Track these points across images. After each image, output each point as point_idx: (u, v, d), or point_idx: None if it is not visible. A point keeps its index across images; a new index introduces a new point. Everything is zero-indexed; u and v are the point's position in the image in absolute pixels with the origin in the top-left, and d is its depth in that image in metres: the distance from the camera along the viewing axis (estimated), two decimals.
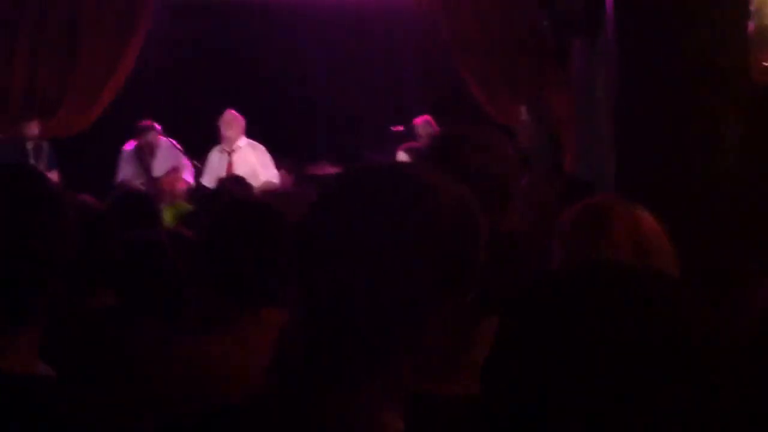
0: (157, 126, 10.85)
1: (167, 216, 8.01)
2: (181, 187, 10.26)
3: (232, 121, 10.31)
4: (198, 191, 9.89)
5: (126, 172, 10.77)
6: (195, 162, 10.71)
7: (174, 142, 10.82)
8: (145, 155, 10.74)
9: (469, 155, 2.61)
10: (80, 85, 12.09)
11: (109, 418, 1.92)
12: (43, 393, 1.85)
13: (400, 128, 11.42)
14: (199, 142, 10.77)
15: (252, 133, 10.46)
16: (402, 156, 9.44)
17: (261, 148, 10.33)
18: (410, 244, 1.46)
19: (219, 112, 10.46)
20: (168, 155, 10.68)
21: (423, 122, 11.00)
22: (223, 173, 9.86)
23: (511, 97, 11.80)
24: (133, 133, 10.86)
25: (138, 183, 10.39)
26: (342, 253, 1.47)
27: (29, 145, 11.07)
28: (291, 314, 1.55)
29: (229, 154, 10.29)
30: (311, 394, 1.47)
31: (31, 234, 1.85)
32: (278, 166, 10.28)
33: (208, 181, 10.16)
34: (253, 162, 10.12)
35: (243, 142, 10.33)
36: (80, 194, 3.66)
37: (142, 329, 2.73)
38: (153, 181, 10.47)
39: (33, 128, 11.19)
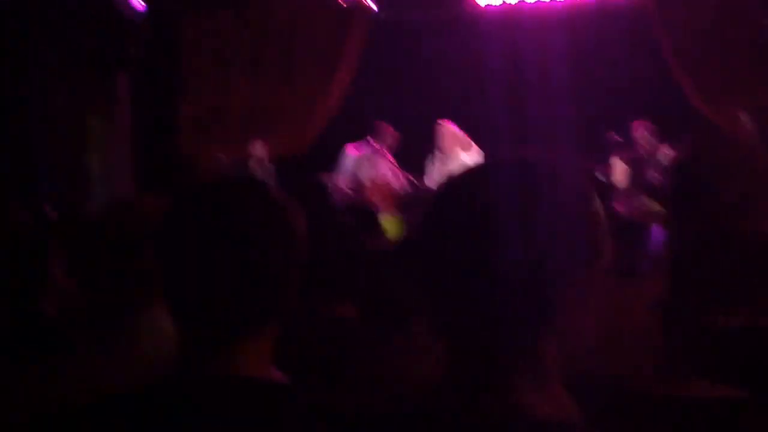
0: (389, 129, 11.01)
1: (388, 227, 8.10)
2: (392, 196, 10.50)
3: (446, 131, 10.37)
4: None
5: (344, 173, 10.96)
6: (410, 175, 10.80)
7: (389, 155, 10.95)
8: (370, 162, 10.92)
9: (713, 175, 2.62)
10: (297, 107, 12.44)
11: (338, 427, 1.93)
12: (277, 398, 1.88)
13: (617, 137, 11.22)
14: (416, 156, 10.86)
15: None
16: (616, 163, 9.23)
17: (477, 152, 10.38)
18: (539, 232, 1.50)
19: (434, 123, 10.53)
20: (384, 165, 10.85)
21: (639, 126, 10.78)
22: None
23: (729, 98, 11.46)
24: (364, 133, 11.05)
25: (349, 187, 10.66)
26: (472, 243, 1.51)
27: (253, 165, 11.38)
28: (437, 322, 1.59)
29: (447, 165, 10.34)
30: (476, 391, 1.53)
31: (263, 242, 1.89)
32: None
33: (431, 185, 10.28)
34: None
35: (462, 154, 10.37)
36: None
37: (376, 340, 2.74)
38: (366, 187, 10.68)
39: (258, 148, 11.48)
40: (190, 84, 12.46)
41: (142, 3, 10.82)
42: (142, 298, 2.58)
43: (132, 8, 10.74)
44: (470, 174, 1.63)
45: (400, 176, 10.76)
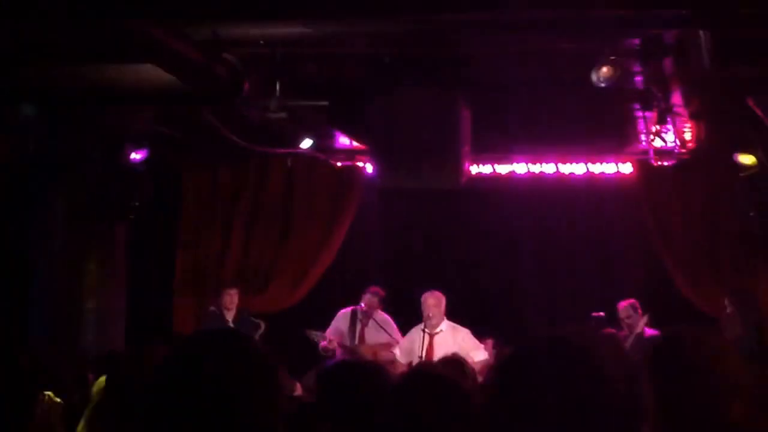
0: (381, 292, 11.08)
1: None
2: (385, 360, 10.49)
3: (434, 302, 10.35)
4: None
5: (336, 331, 10.98)
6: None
7: (390, 318, 11.02)
8: (359, 320, 11.00)
9: (693, 356, 2.82)
10: (290, 263, 12.59)
11: None
12: None
13: (602, 314, 11.35)
14: (402, 321, 10.93)
15: (453, 311, 10.54)
16: None
17: (464, 331, 10.31)
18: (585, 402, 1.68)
19: (420, 293, 10.60)
20: (382, 328, 10.91)
21: (626, 306, 10.91)
22: (421, 354, 9.96)
23: (716, 287, 11.68)
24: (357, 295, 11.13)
25: (339, 345, 10.71)
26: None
27: (231, 317, 11.45)
28: None
29: (431, 336, 10.33)
30: None
31: (249, 399, 1.96)
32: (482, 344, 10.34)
33: (402, 357, 10.25)
34: (452, 345, 10.08)
35: (445, 324, 10.33)
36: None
37: None
38: (358, 347, 10.72)
39: (230, 298, 11.55)
40: (187, 234, 12.65)
41: (145, 154, 11.04)
42: None
43: (135, 159, 10.96)
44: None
45: (396, 342, 10.78)
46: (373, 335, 10.93)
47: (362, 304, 10.95)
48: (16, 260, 10.41)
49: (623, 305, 10.98)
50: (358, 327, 10.98)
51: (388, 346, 10.76)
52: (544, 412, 1.68)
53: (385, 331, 10.85)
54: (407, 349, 10.33)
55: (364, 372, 3.75)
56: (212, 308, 11.61)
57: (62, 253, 10.46)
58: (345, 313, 11.11)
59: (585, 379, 1.69)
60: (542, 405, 1.68)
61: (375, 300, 10.96)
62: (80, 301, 10.48)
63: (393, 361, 10.20)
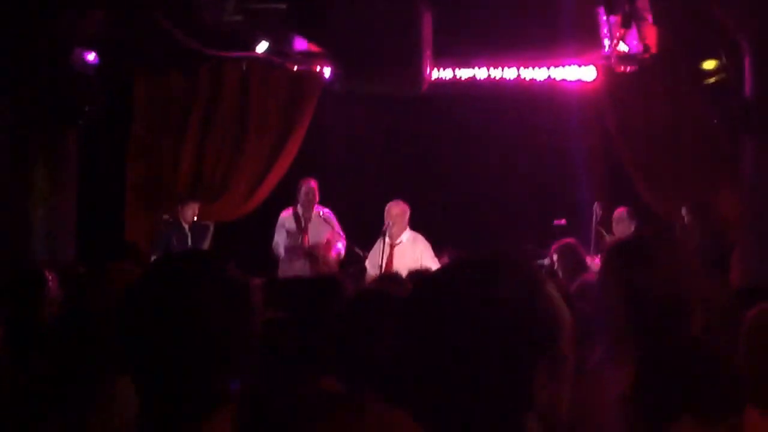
0: (313, 183, 10.96)
1: None
2: (333, 257, 10.52)
3: (398, 212, 10.30)
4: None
5: (281, 237, 10.93)
6: (358, 249, 10.73)
7: (330, 212, 10.92)
8: (300, 222, 10.89)
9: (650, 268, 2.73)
10: (245, 172, 12.41)
11: None
12: None
13: (563, 221, 11.29)
14: (365, 230, 10.83)
15: (416, 221, 10.46)
16: (555, 257, 9.18)
17: (422, 240, 10.29)
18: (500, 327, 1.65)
19: (383, 201, 10.48)
20: (323, 225, 10.83)
21: (622, 212, 10.81)
22: (382, 264, 9.92)
23: (676, 193, 11.67)
24: (293, 195, 11.03)
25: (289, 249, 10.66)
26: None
27: (187, 227, 11.32)
28: None
29: (392, 246, 10.29)
30: None
31: (221, 319, 1.90)
32: (440, 255, 10.25)
33: (370, 268, 10.23)
34: (413, 254, 10.08)
35: (407, 235, 10.29)
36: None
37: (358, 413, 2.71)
38: (306, 248, 10.65)
39: (192, 211, 11.40)
40: (139, 143, 12.38)
41: (96, 58, 10.76)
42: (109, 369, 2.57)
43: (85, 63, 10.67)
44: (443, 273, 1.81)
45: (338, 236, 10.77)
46: (316, 231, 10.83)
47: (300, 201, 10.86)
48: None
49: (621, 210, 10.86)
50: (303, 225, 10.86)
51: (333, 240, 10.69)
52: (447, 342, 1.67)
53: (327, 223, 10.76)
54: (372, 259, 10.30)
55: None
56: (166, 217, 11.44)
57: (10, 161, 10.18)
58: (286, 215, 10.98)
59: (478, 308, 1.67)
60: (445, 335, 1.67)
61: (303, 194, 10.85)
62: (29, 210, 10.25)
63: (340, 259, 10.48)
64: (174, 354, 1.88)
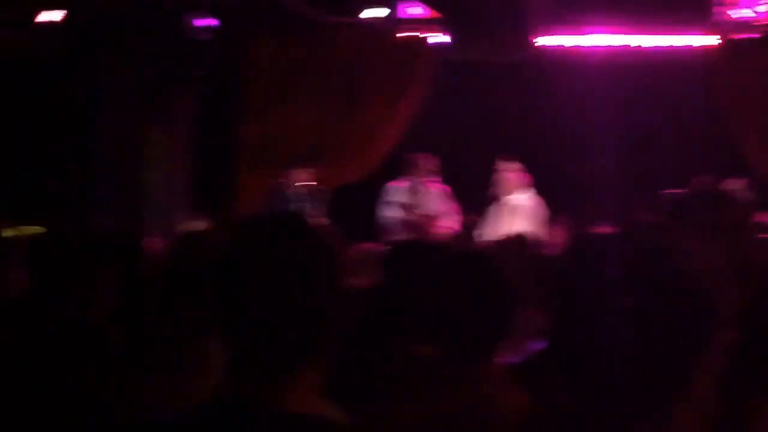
0: (426, 159, 10.92)
1: None
2: (443, 230, 10.46)
3: (511, 174, 10.29)
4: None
5: (390, 209, 10.92)
6: (471, 218, 10.70)
7: (444, 187, 10.88)
8: (416, 192, 10.86)
9: None
10: (358, 137, 12.44)
11: None
12: None
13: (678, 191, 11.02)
14: (475, 196, 10.79)
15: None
16: None
17: (538, 202, 10.26)
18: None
19: (487, 168, 10.44)
20: (436, 198, 10.80)
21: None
22: (498, 228, 9.91)
23: None
24: (405, 167, 10.98)
25: (398, 220, 10.64)
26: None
27: (301, 191, 11.37)
28: None
29: (505, 208, 10.24)
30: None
31: (311, 279, 1.93)
32: (554, 222, 10.17)
33: (484, 234, 10.20)
34: (527, 217, 10.05)
35: (521, 197, 10.27)
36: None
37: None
38: (416, 219, 10.63)
39: (304, 176, 11.45)
40: (252, 108, 12.50)
41: (212, 23, 10.88)
42: (201, 327, 2.61)
43: (201, 28, 10.80)
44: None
45: (453, 212, 10.72)
46: (428, 204, 10.79)
47: (415, 175, 10.80)
48: (80, 133, 10.37)
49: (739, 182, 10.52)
50: (415, 198, 10.82)
51: (444, 214, 10.62)
52: None
53: (440, 197, 10.70)
54: (486, 224, 10.34)
55: (431, 251, 3.63)
56: (279, 184, 11.51)
57: (125, 125, 10.37)
58: (398, 186, 10.95)
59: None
60: None
61: (419, 169, 10.80)
62: (143, 174, 10.43)
63: (453, 231, 10.34)
64: (262, 313, 1.90)
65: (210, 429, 1.89)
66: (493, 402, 2.49)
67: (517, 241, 5.90)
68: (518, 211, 10.23)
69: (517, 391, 2.47)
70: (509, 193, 10.37)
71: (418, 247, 3.90)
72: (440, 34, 11.71)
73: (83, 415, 2.53)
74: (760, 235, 4.83)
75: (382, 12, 11.06)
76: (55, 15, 10.09)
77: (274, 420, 1.87)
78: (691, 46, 11.81)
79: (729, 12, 10.91)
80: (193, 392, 2.11)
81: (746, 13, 10.45)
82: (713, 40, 11.66)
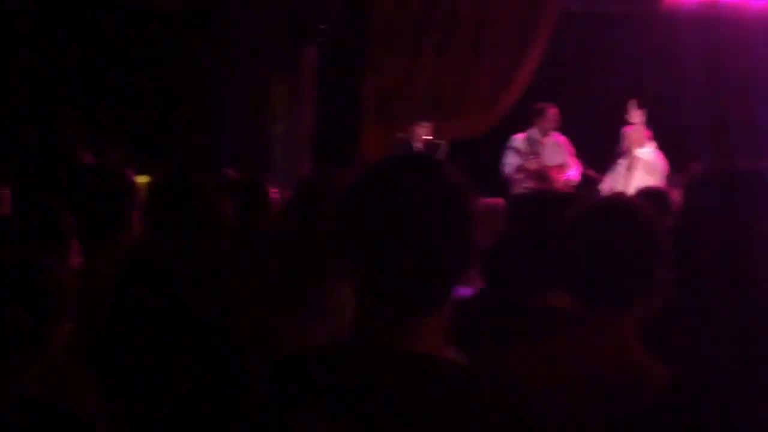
0: (553, 110, 10.77)
1: None
2: (564, 180, 10.39)
3: (629, 133, 10.15)
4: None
5: (513, 159, 10.80)
6: (593, 173, 10.56)
7: (565, 139, 10.74)
8: (536, 144, 10.74)
9: None
10: (481, 90, 12.36)
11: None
12: (448, 376, 1.89)
13: None
14: (595, 150, 10.64)
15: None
16: None
17: (658, 157, 10.08)
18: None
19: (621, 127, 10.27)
20: (558, 149, 10.67)
21: None
22: (621, 182, 9.77)
23: None
24: (530, 116, 10.88)
25: (520, 173, 10.53)
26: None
27: (422, 145, 11.31)
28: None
29: (629, 165, 10.09)
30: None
31: (441, 222, 1.90)
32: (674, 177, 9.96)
33: (609, 187, 10.07)
34: (653, 173, 9.89)
35: (646, 153, 10.09)
36: None
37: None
38: (537, 169, 10.50)
39: (425, 131, 11.38)
40: (376, 60, 12.48)
41: None
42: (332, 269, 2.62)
43: None
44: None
45: (572, 164, 10.58)
46: (550, 155, 10.67)
47: (537, 127, 10.67)
48: (206, 85, 10.49)
49: None
50: (535, 149, 10.69)
51: (564, 167, 10.51)
52: None
53: (562, 149, 10.57)
54: (611, 180, 10.25)
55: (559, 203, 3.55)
56: (401, 135, 11.49)
57: (251, 77, 10.46)
58: (520, 137, 10.83)
59: None
60: None
61: (547, 119, 10.65)
62: (268, 126, 10.52)
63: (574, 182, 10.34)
64: (391, 255, 1.88)
65: (339, 370, 1.91)
66: (630, 362, 2.41)
67: (656, 194, 5.77)
68: (642, 165, 10.05)
69: (647, 352, 2.41)
70: (634, 147, 10.18)
71: (549, 197, 3.82)
72: None
73: (216, 356, 2.55)
74: None
75: None
76: None
77: (400, 360, 1.87)
78: None
79: None
80: (324, 334, 2.10)
81: None
82: None
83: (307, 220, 2.82)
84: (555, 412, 2.17)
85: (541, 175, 10.49)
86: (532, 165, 10.56)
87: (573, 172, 10.61)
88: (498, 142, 11.18)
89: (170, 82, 10.49)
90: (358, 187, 1.99)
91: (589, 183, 10.55)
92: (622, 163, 10.16)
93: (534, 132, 10.73)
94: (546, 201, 3.81)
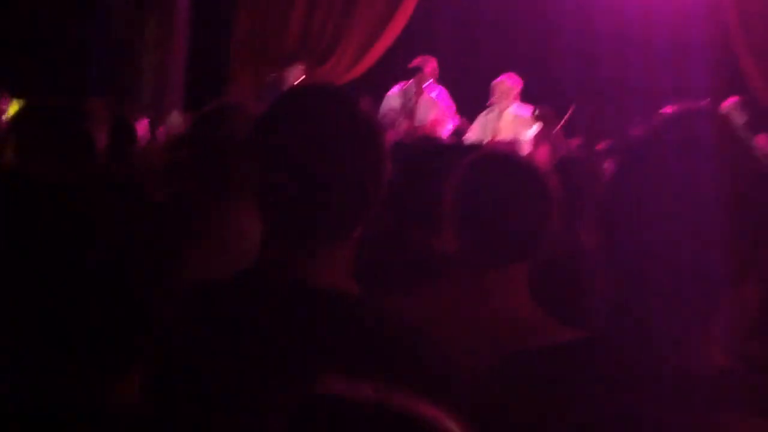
0: (431, 64, 10.62)
1: None
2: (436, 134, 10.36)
3: (504, 88, 10.16)
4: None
5: (387, 112, 10.62)
6: (464, 120, 10.57)
7: (444, 90, 10.68)
8: (410, 101, 10.70)
9: None
10: (354, 36, 12.30)
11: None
12: (346, 308, 1.89)
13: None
14: (473, 103, 10.68)
15: (526, 97, 10.30)
16: None
17: (527, 116, 10.17)
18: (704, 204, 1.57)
19: (498, 74, 10.32)
20: (432, 105, 10.63)
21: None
22: (487, 137, 9.83)
23: None
24: (408, 71, 10.76)
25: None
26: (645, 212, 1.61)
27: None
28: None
29: (497, 119, 10.17)
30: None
31: (352, 153, 1.90)
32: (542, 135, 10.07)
33: (474, 140, 10.06)
34: (517, 128, 9.96)
35: (514, 107, 10.15)
36: None
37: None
38: (408, 129, 10.50)
39: (297, 73, 11.30)
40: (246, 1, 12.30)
41: None
42: (234, 196, 2.60)
43: None
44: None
45: (449, 118, 10.60)
46: (422, 114, 10.58)
47: (413, 77, 10.60)
48: (76, 15, 10.25)
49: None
50: (409, 107, 10.66)
51: (440, 121, 10.53)
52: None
53: (435, 107, 10.57)
54: (475, 131, 10.21)
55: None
56: (273, 79, 11.38)
57: (122, 7, 10.26)
58: (395, 91, 10.78)
59: None
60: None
61: (423, 74, 10.57)
62: (139, 56, 10.34)
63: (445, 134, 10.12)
64: (301, 184, 1.88)
65: (239, 297, 1.90)
66: (515, 311, 2.45)
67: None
68: (509, 120, 10.12)
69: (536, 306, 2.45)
70: (502, 101, 10.21)
71: (430, 143, 3.87)
72: None
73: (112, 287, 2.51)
74: None
75: None
76: None
77: (301, 291, 1.87)
78: None
79: None
80: (228, 261, 2.09)
81: None
82: None
83: (210, 149, 2.79)
84: (439, 351, 2.21)
85: (411, 135, 10.45)
86: (403, 125, 10.52)
87: (448, 128, 10.58)
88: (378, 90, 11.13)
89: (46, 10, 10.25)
90: (266, 116, 1.97)
91: (456, 133, 10.57)
92: (488, 115, 10.22)
93: (410, 87, 10.62)
94: (427, 147, 3.85)
